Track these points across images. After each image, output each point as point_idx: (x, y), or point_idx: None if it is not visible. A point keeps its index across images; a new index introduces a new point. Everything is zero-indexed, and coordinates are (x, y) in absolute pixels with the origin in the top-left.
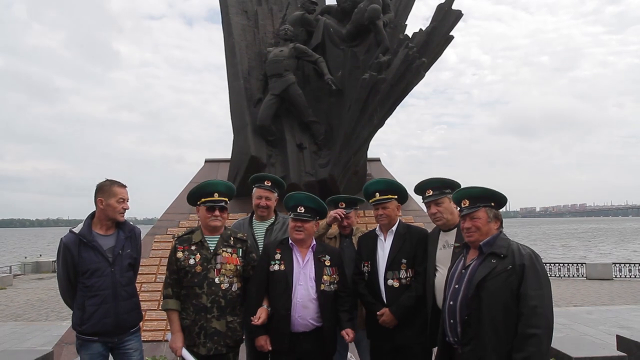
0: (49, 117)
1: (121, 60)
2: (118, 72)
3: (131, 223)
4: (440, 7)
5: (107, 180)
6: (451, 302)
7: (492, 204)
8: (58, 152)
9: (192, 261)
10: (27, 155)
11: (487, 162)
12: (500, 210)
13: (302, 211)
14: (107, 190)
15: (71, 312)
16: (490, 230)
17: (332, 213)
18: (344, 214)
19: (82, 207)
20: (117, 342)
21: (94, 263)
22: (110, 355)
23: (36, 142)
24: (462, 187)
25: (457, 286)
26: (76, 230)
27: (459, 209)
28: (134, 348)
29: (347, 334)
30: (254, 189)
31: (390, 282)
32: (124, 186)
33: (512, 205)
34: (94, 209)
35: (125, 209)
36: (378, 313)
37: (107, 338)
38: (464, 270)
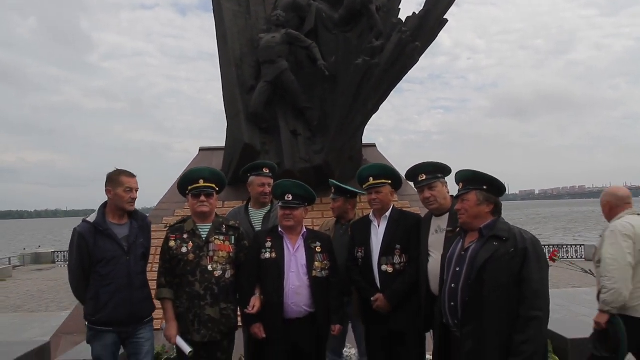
0: (40, 107)
1: (114, 49)
2: (111, 61)
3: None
4: None
5: (116, 169)
6: (452, 285)
7: (485, 187)
8: (50, 143)
9: (184, 249)
10: (15, 146)
11: (485, 145)
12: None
13: (290, 199)
14: (115, 180)
15: (72, 302)
16: (480, 214)
17: None
18: None
19: (79, 198)
20: (131, 332)
21: (110, 251)
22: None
23: (25, 133)
24: (458, 171)
25: (457, 269)
26: (90, 219)
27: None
28: (145, 338)
29: (333, 329)
30: (252, 177)
31: (384, 267)
32: (133, 175)
33: (511, 188)
34: (102, 199)
35: (133, 199)
36: (372, 299)
37: (121, 328)
38: (463, 252)
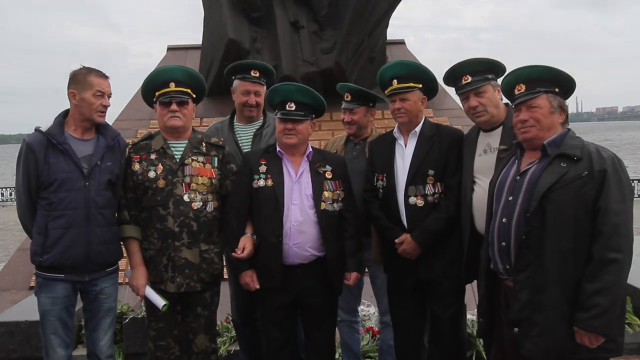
0: None
1: None
2: None
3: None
4: None
5: (83, 67)
6: (504, 220)
7: (557, 89)
8: None
9: (152, 174)
10: None
11: (551, 46)
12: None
13: (293, 108)
14: (81, 80)
15: (7, 253)
16: (553, 125)
17: None
18: None
19: (6, 118)
20: (88, 281)
21: (64, 172)
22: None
23: None
24: (515, 68)
25: (511, 198)
26: (43, 128)
27: (511, 98)
28: (107, 293)
29: (348, 277)
30: (236, 81)
31: (412, 200)
32: (105, 77)
33: (584, 105)
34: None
35: (105, 106)
36: (397, 241)
37: (75, 275)
38: (519, 177)
